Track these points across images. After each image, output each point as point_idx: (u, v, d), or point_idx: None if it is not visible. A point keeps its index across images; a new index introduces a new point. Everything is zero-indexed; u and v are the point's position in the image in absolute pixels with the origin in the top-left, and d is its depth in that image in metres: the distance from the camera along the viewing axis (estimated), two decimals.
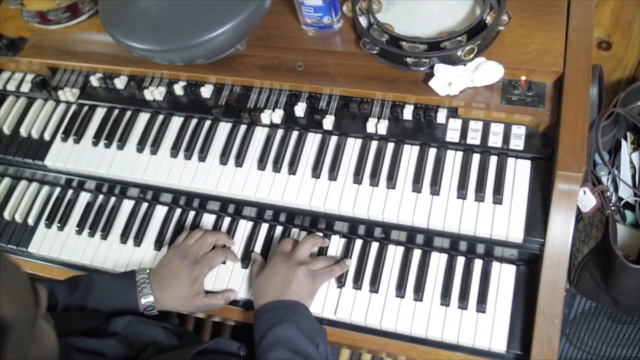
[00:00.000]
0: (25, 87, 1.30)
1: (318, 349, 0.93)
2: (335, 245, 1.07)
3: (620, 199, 1.20)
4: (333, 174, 1.05)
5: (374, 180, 1.03)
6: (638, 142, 1.24)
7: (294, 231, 1.10)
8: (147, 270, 1.04)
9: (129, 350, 0.90)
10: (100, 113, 1.24)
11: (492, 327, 0.95)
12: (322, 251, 1.08)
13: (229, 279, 1.08)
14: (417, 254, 1.03)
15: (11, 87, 1.31)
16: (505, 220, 0.96)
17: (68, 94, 1.25)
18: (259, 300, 0.98)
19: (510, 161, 1.01)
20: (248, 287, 1.07)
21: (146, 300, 1.00)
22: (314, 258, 1.04)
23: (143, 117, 1.21)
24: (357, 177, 1.04)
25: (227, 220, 1.13)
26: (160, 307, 1.02)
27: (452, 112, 1.05)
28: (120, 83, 1.23)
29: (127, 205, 1.20)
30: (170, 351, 0.93)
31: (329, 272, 1.02)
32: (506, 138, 1.02)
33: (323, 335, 0.98)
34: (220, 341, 0.99)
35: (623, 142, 1.25)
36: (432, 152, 1.04)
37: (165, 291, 1.01)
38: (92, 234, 1.18)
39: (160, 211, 1.18)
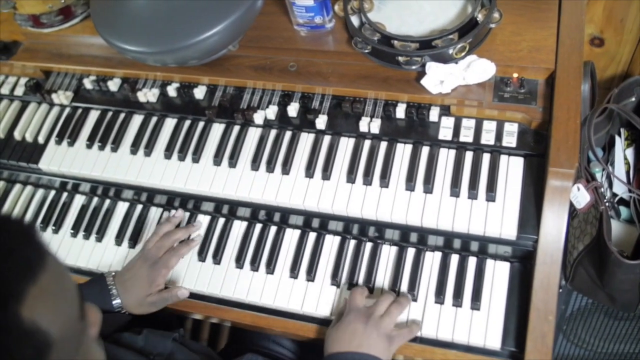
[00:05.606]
0: (19, 91, 1.31)
1: None
2: (329, 245, 1.07)
3: (614, 195, 1.20)
4: (326, 174, 1.05)
5: (367, 179, 1.03)
6: (632, 138, 1.24)
7: (288, 231, 1.10)
8: (113, 273, 1.05)
9: None
10: (93, 115, 1.24)
11: (486, 324, 0.95)
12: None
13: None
14: (411, 252, 1.03)
15: (5, 90, 1.32)
16: (499, 218, 0.96)
17: (62, 97, 1.25)
18: (332, 347, 0.94)
19: (503, 158, 1.01)
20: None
21: (115, 302, 1.01)
22: (387, 314, 0.96)
23: (137, 119, 1.21)
24: (350, 177, 1.04)
25: (221, 220, 1.13)
26: (126, 310, 1.02)
27: (445, 110, 1.05)
28: (113, 85, 1.24)
29: (122, 207, 1.20)
30: None
31: (401, 336, 0.96)
32: (499, 135, 1.02)
33: None
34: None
35: (617, 138, 1.25)
36: (425, 150, 1.04)
37: (128, 294, 1.02)
38: (87, 236, 1.18)
39: (154, 213, 1.18)
